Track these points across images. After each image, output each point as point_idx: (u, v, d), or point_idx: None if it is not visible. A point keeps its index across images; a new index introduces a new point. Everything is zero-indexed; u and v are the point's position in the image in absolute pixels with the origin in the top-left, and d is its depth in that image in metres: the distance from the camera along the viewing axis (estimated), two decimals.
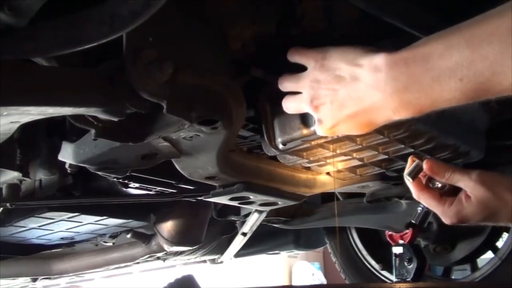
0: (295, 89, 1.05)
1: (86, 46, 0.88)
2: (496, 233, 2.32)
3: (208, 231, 2.32)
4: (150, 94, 1.06)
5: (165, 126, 1.19)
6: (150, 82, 1.05)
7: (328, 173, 1.67)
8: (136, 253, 2.44)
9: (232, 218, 2.23)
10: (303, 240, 2.96)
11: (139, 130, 1.22)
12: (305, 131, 1.35)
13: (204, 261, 2.95)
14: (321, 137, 1.38)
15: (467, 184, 1.03)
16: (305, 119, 1.29)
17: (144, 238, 2.31)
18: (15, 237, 2.13)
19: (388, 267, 2.56)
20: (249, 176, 1.48)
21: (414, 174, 1.07)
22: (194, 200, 1.84)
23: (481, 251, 2.36)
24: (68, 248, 2.46)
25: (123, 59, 1.03)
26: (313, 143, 1.41)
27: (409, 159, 1.15)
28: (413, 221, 1.56)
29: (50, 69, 1.03)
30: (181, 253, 2.58)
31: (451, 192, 1.08)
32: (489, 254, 2.34)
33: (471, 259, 2.37)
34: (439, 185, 1.10)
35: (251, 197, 1.53)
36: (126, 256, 2.49)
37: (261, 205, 1.65)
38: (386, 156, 1.48)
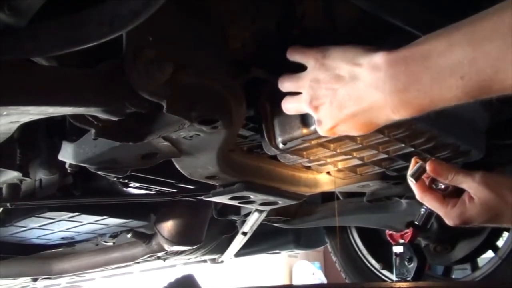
0: (295, 89, 1.05)
1: (86, 46, 0.88)
2: (497, 232, 2.32)
3: (209, 230, 2.32)
4: (150, 93, 1.06)
5: (165, 126, 1.19)
6: (150, 82, 1.05)
7: (328, 173, 1.67)
8: (137, 252, 2.44)
9: (233, 218, 2.23)
10: (303, 240, 2.96)
11: (139, 129, 1.22)
12: (305, 131, 1.35)
13: (205, 261, 2.95)
14: (321, 137, 1.38)
15: (471, 185, 1.02)
16: (305, 118, 1.28)
17: (145, 237, 2.31)
18: (16, 237, 2.13)
19: (388, 266, 2.56)
20: (249, 176, 1.48)
21: (417, 176, 1.06)
22: (194, 200, 1.84)
23: (481, 250, 2.36)
24: (68, 248, 2.46)
25: (123, 58, 1.03)
26: (313, 142, 1.41)
27: (412, 160, 1.14)
28: (416, 222, 1.56)
29: (50, 68, 1.03)
30: (181, 252, 2.58)
31: (454, 194, 1.08)
32: (490, 254, 2.34)
33: (471, 258, 2.37)
34: (442, 186, 1.09)
35: (251, 196, 1.53)
36: (127, 256, 2.49)
37: (261, 204, 1.65)
38: (387, 156, 1.48)
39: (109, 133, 1.17)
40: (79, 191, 1.76)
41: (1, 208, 1.66)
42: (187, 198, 1.83)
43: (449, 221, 1.08)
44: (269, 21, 1.31)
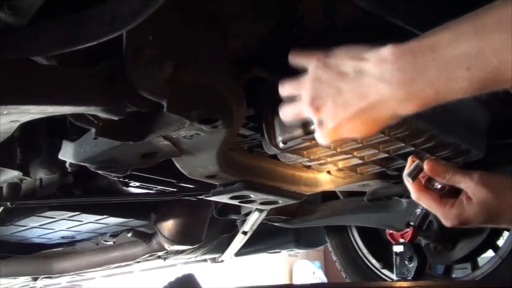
0: (296, 92, 1.02)
1: (86, 45, 0.88)
2: (497, 232, 2.32)
3: (209, 230, 2.32)
4: (150, 93, 1.06)
5: (166, 125, 1.19)
6: (150, 81, 1.05)
7: (328, 172, 1.67)
8: (137, 252, 2.44)
9: (233, 217, 2.23)
10: (303, 239, 2.95)
11: (139, 129, 1.22)
12: (305, 130, 1.35)
13: (205, 260, 2.95)
14: None
15: (469, 185, 1.01)
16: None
17: (145, 237, 2.31)
18: (16, 236, 2.14)
19: (388, 265, 2.55)
20: (249, 175, 1.48)
21: (414, 175, 1.04)
22: (195, 199, 1.84)
23: (481, 249, 2.35)
24: (68, 247, 2.46)
25: (123, 58, 1.03)
26: (313, 141, 1.41)
27: (409, 159, 1.12)
28: (411, 222, 1.55)
29: (50, 68, 1.03)
30: (181, 252, 2.58)
31: (451, 193, 1.06)
32: (490, 253, 2.33)
33: (471, 257, 2.37)
34: (439, 186, 1.08)
35: (251, 196, 1.53)
36: (127, 255, 2.49)
37: (261, 204, 1.65)
38: (387, 155, 1.48)
39: (109, 132, 1.17)
40: (79, 190, 1.76)
41: (2, 207, 1.66)
42: (187, 198, 1.83)
43: (446, 222, 1.07)
44: (269, 21, 1.31)
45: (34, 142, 1.61)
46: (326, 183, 1.70)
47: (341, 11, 1.31)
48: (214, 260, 2.91)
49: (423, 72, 0.76)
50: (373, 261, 2.69)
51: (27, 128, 1.47)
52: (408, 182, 1.07)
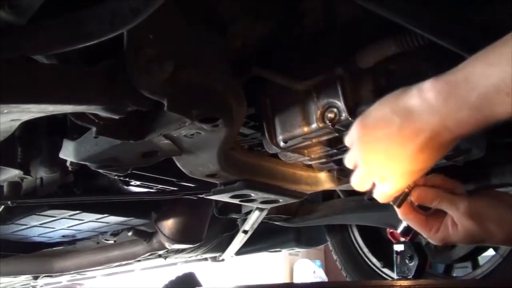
0: (355, 161, 1.01)
1: (87, 44, 0.88)
2: None
3: (209, 229, 2.32)
4: (150, 92, 1.06)
5: (166, 124, 1.19)
6: (150, 80, 1.05)
7: (329, 171, 1.67)
8: (138, 251, 2.44)
9: (233, 216, 2.23)
10: (304, 238, 2.96)
11: (140, 128, 1.22)
12: (306, 129, 1.35)
13: (205, 259, 2.95)
14: (322, 135, 1.38)
15: (455, 214, 1.02)
16: (306, 116, 1.29)
17: (145, 236, 2.32)
18: (17, 235, 2.14)
19: (389, 264, 2.55)
20: (250, 174, 1.48)
21: (399, 202, 1.05)
22: (195, 198, 1.85)
23: (482, 248, 2.35)
24: (69, 246, 2.46)
25: (123, 57, 1.03)
26: (314, 140, 1.41)
27: None
28: (398, 231, 1.55)
29: (51, 66, 1.03)
30: (182, 251, 2.58)
31: (437, 212, 1.06)
32: (490, 252, 2.33)
33: (472, 256, 2.37)
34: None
35: (252, 195, 1.53)
36: (128, 254, 2.49)
37: (262, 203, 1.65)
38: None
39: (110, 131, 1.17)
40: (80, 189, 1.77)
41: (2, 206, 1.66)
42: (188, 196, 1.83)
43: (432, 241, 1.09)
44: (269, 20, 1.31)
45: (35, 141, 1.61)
46: (326, 182, 1.70)
47: (341, 10, 1.31)
48: (214, 259, 2.92)
49: (466, 100, 0.79)
50: (374, 260, 2.69)
51: (27, 127, 1.47)
52: (395, 207, 1.07)
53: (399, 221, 1.21)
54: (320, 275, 6.84)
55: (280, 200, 1.64)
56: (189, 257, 2.81)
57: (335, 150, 1.47)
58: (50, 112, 1.05)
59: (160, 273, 3.43)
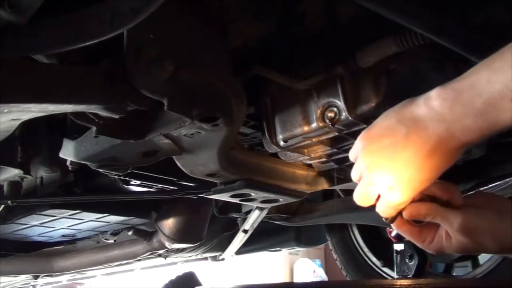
0: (360, 172, 0.99)
1: (87, 43, 0.88)
2: None
3: (209, 228, 2.32)
4: (151, 91, 1.06)
5: (166, 123, 1.19)
6: (151, 80, 1.05)
7: (329, 170, 1.67)
8: (138, 250, 2.44)
9: (233, 215, 2.23)
10: (304, 237, 2.96)
11: (140, 127, 1.22)
12: (306, 128, 1.35)
13: (206, 258, 2.96)
14: (322, 134, 1.38)
15: (448, 229, 1.01)
16: (306, 115, 1.29)
17: (146, 235, 2.32)
18: (17, 234, 2.14)
19: (389, 264, 2.56)
20: (250, 173, 1.48)
21: (391, 219, 1.04)
22: (195, 197, 1.85)
23: None
24: (69, 245, 2.46)
25: (124, 56, 1.03)
26: (314, 139, 1.41)
27: None
28: (392, 235, 1.55)
29: (51, 66, 1.03)
30: (182, 250, 2.58)
31: (430, 223, 1.06)
32: None
33: (472, 256, 2.37)
34: None
35: (252, 194, 1.53)
36: (128, 253, 2.49)
37: (262, 202, 1.65)
38: None
39: (110, 130, 1.17)
40: (80, 189, 1.77)
41: (2, 206, 1.66)
42: (188, 196, 1.83)
43: (426, 250, 1.09)
44: (270, 19, 1.31)
45: (35, 140, 1.62)
46: (326, 182, 1.70)
47: (341, 10, 1.31)
48: (214, 258, 2.92)
49: (471, 107, 0.79)
50: (374, 259, 2.70)
51: (28, 126, 1.47)
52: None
53: None
54: (320, 275, 6.84)
55: (280, 200, 1.64)
56: (189, 256, 2.81)
57: (335, 150, 1.47)
58: (50, 111, 1.05)
59: (160, 272, 3.44)
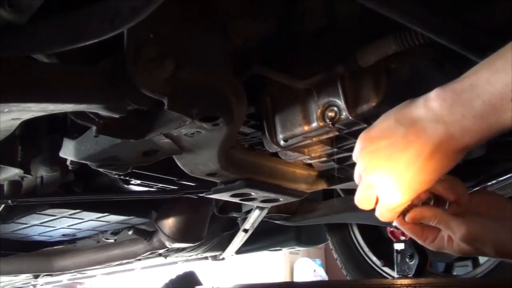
0: (358, 178, 0.99)
1: (87, 43, 0.88)
2: None
3: (210, 227, 2.32)
4: (151, 90, 1.06)
5: (166, 123, 1.19)
6: (151, 79, 1.05)
7: (329, 170, 1.67)
8: (138, 249, 2.44)
9: (234, 215, 2.23)
10: (304, 237, 2.96)
11: (140, 126, 1.22)
12: (306, 127, 1.35)
13: (206, 258, 2.96)
14: (322, 133, 1.38)
15: (451, 235, 1.01)
16: (306, 115, 1.28)
17: (146, 234, 2.32)
18: (17, 234, 2.14)
19: (389, 263, 2.56)
20: (250, 173, 1.48)
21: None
22: (196, 197, 1.84)
23: None
24: (69, 245, 2.46)
25: (124, 56, 1.03)
26: (314, 139, 1.41)
27: None
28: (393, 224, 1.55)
29: (51, 65, 1.03)
30: (182, 249, 2.58)
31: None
32: None
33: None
34: None
35: (252, 193, 1.53)
36: (128, 253, 2.49)
37: (262, 201, 1.65)
38: None
39: (110, 130, 1.17)
40: (80, 188, 1.77)
41: (2, 205, 1.66)
42: (188, 195, 1.83)
43: (427, 247, 1.08)
44: (270, 18, 1.31)
45: (35, 140, 1.62)
46: (326, 181, 1.70)
47: (341, 9, 1.31)
48: (215, 258, 2.92)
49: (471, 108, 0.78)
50: (374, 258, 2.70)
51: (28, 126, 1.47)
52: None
53: None
54: (320, 274, 6.85)
55: (281, 199, 1.64)
56: (190, 256, 2.81)
57: (335, 149, 1.47)
58: (51, 111, 1.05)
59: (160, 272, 3.44)
